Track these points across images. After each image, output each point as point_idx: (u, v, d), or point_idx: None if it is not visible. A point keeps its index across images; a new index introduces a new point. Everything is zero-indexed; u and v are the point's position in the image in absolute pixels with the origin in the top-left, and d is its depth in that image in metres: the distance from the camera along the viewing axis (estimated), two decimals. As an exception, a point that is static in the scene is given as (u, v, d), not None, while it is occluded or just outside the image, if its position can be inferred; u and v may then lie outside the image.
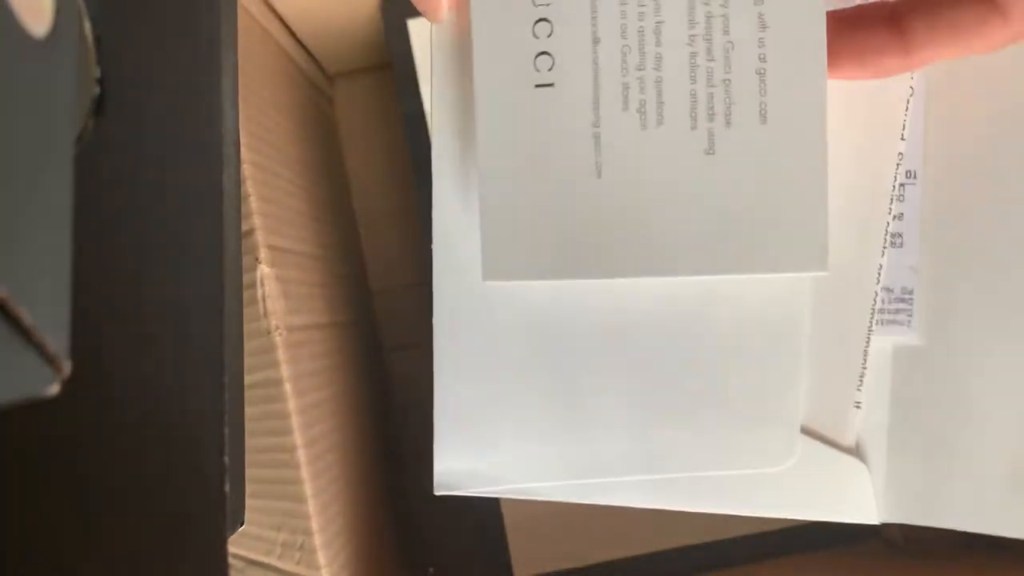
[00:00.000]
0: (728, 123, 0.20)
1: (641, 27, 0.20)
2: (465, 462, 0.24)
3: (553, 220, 0.21)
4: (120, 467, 0.20)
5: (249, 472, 0.22)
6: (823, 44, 0.20)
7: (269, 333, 0.31)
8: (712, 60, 0.20)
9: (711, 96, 0.20)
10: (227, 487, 0.20)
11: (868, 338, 0.24)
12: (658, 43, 0.20)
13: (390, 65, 0.43)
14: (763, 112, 0.20)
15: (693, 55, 0.20)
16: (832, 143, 0.20)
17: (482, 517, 0.42)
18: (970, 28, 0.19)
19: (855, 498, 0.25)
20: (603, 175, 0.21)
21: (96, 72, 0.21)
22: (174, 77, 0.21)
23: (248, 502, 0.21)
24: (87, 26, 0.21)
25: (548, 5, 0.20)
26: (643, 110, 0.20)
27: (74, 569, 0.20)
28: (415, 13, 0.36)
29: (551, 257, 0.21)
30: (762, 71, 0.20)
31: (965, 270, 0.24)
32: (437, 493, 0.25)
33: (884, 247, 0.24)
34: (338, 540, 0.35)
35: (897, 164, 0.23)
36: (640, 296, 0.23)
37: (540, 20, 0.20)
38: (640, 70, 0.20)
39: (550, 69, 0.20)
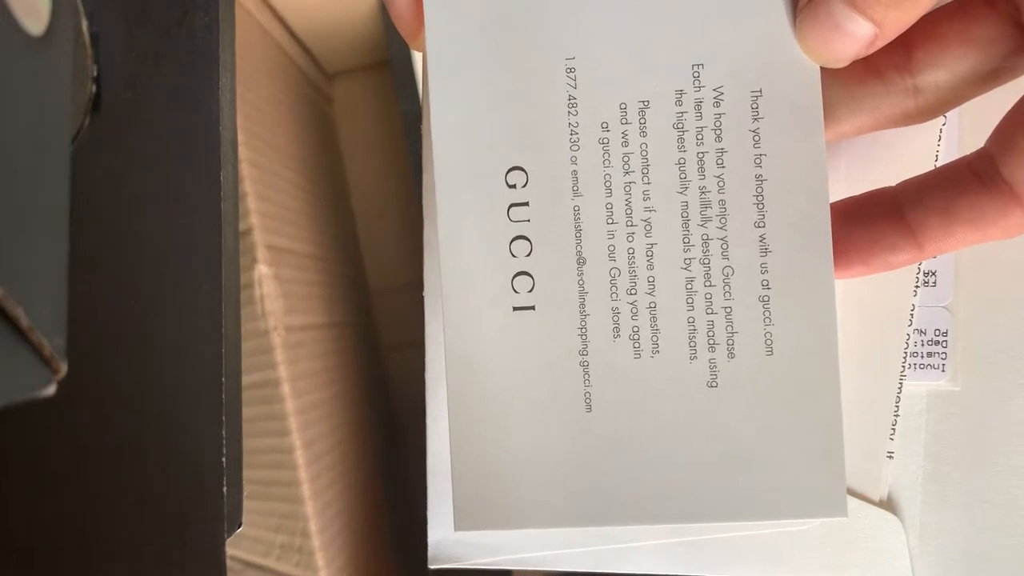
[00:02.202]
0: (731, 354, 0.18)
1: (631, 248, 0.18)
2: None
3: (536, 461, 0.19)
4: (117, 468, 0.20)
5: (247, 473, 0.22)
6: (831, 269, 0.18)
7: (267, 333, 0.31)
8: (711, 285, 0.18)
9: (711, 324, 0.18)
10: (225, 488, 0.19)
11: (900, 384, 0.23)
12: (651, 266, 0.18)
13: (389, 63, 0.43)
14: (769, 343, 0.18)
15: (690, 280, 0.18)
16: (862, 181, 0.19)
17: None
18: (988, 220, 0.18)
19: (888, 556, 0.23)
20: (593, 409, 0.19)
21: (93, 70, 0.21)
22: (171, 75, 0.21)
23: (246, 503, 0.21)
24: (84, 24, 0.21)
25: (527, 222, 0.18)
26: (636, 338, 0.19)
27: (72, 570, 0.20)
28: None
29: (533, 504, 0.19)
30: (766, 298, 0.18)
31: (1003, 310, 0.23)
32: (432, 567, 0.23)
33: (916, 286, 0.22)
34: (337, 542, 0.35)
35: None
36: None
37: (518, 238, 0.19)
38: (632, 294, 0.18)
39: (530, 291, 0.19)
